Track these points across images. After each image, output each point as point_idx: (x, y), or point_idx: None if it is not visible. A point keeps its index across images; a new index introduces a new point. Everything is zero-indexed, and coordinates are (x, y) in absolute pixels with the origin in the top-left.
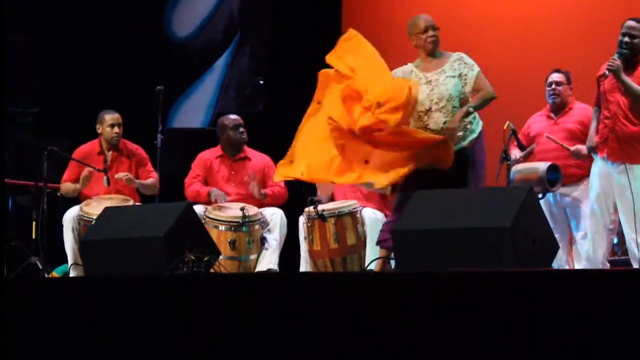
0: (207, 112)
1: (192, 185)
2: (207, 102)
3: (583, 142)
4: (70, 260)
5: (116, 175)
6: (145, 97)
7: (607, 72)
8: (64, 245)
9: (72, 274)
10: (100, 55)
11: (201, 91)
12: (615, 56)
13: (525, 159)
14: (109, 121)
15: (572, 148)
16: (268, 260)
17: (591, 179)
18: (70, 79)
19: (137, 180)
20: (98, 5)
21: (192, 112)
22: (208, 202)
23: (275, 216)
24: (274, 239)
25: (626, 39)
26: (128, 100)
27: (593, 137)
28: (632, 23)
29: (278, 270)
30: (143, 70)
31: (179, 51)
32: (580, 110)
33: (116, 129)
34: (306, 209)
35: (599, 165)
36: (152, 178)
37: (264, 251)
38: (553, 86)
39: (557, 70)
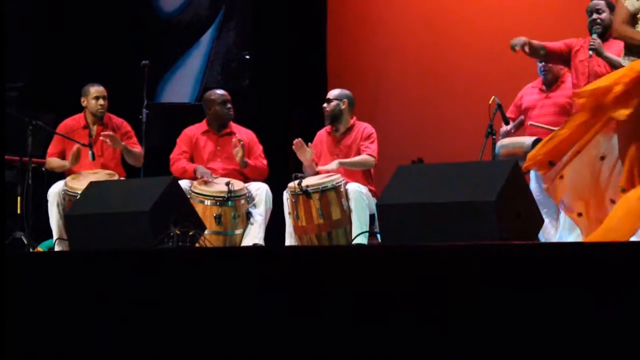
0: (194, 86)
1: (179, 162)
2: (194, 76)
3: None
4: (55, 235)
5: (101, 134)
6: (131, 72)
7: (590, 52)
8: (49, 220)
9: (57, 248)
10: (86, 29)
11: (188, 66)
12: (594, 36)
13: (516, 130)
14: (94, 93)
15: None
16: (254, 235)
17: None
18: (56, 53)
19: (123, 143)
20: None
21: (179, 87)
22: (194, 179)
23: (260, 191)
24: (260, 213)
25: (594, 16)
26: (114, 75)
27: None
28: (595, 1)
29: (264, 244)
30: (129, 45)
31: (165, 26)
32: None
33: (101, 101)
34: (290, 185)
35: None
36: (137, 149)
37: (249, 226)
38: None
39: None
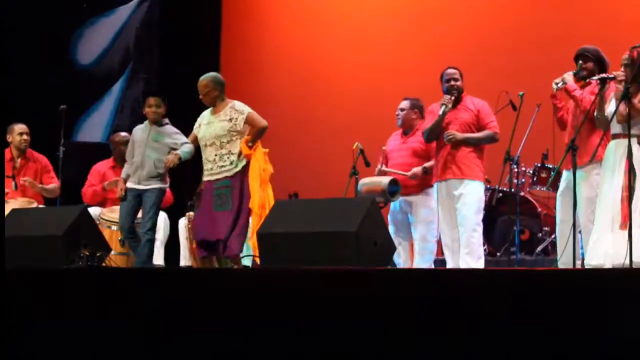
0: (106, 128)
1: (88, 190)
2: (105, 120)
3: (424, 159)
4: None
5: (21, 179)
6: (50, 115)
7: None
8: None
9: None
10: (13, 75)
11: (100, 110)
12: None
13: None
14: (18, 130)
15: (409, 173)
16: (155, 257)
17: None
18: None
19: (39, 185)
20: (12, 35)
21: (93, 128)
22: (104, 199)
23: (159, 219)
24: (159, 238)
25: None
26: (36, 117)
27: None
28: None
29: (163, 264)
30: (49, 91)
31: (82, 76)
32: None
33: (24, 137)
34: (188, 214)
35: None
36: (53, 184)
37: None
38: (397, 111)
39: (405, 98)
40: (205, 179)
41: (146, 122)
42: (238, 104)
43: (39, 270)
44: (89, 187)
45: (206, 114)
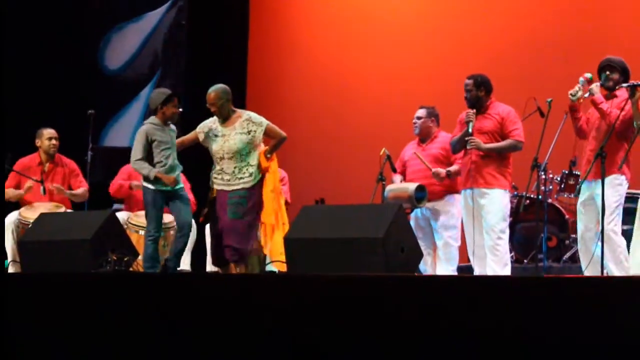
0: (134, 133)
1: (116, 182)
2: (133, 124)
3: (445, 165)
4: (9, 258)
5: (50, 185)
6: (79, 120)
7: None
8: None
9: (11, 269)
10: (41, 80)
11: (128, 115)
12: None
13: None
14: (47, 135)
15: (433, 170)
16: (181, 261)
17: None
18: (15, 103)
19: (68, 191)
20: (41, 41)
21: (121, 133)
22: (129, 196)
23: None
24: None
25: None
26: (64, 122)
27: None
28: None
29: (190, 269)
30: (78, 96)
31: (110, 81)
32: (443, 138)
33: (53, 141)
34: None
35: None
36: (82, 187)
37: None
38: (414, 120)
39: (421, 107)
40: (218, 188)
41: (157, 121)
42: (254, 116)
43: (66, 274)
44: (116, 180)
45: (213, 125)
